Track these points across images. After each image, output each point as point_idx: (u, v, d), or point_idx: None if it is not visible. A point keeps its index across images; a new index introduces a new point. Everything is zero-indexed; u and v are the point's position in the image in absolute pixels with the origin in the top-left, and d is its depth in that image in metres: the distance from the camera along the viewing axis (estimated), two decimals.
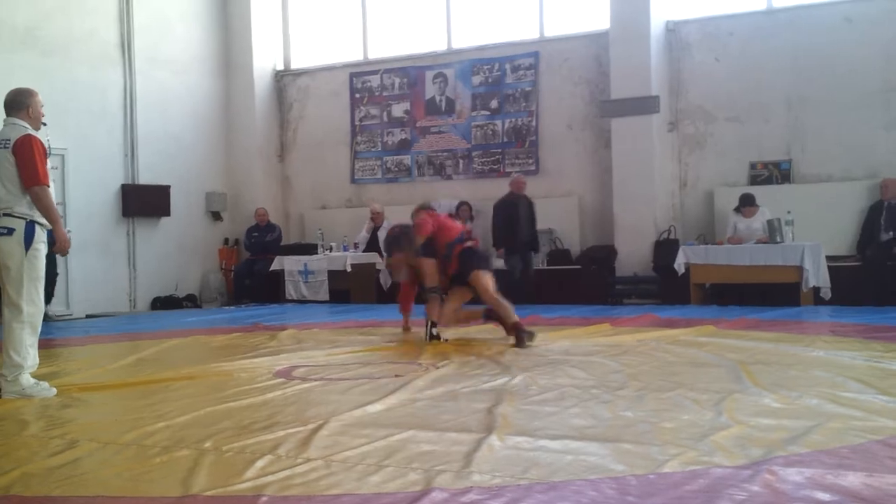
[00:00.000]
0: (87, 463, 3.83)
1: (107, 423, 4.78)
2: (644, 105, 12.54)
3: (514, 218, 12.24)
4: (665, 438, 3.88)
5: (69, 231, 12.52)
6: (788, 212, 11.12)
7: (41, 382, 5.63)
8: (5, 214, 5.62)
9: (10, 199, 5.64)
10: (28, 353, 5.58)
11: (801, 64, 12.08)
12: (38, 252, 5.67)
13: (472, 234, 9.06)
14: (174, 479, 3.45)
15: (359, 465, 3.57)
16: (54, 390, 5.60)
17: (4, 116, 6.00)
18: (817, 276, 10.73)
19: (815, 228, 11.24)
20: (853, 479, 3.18)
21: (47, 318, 11.79)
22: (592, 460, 3.55)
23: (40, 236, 5.70)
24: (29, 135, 5.79)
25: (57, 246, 5.85)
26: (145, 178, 14.33)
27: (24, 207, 5.65)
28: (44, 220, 5.70)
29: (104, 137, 13.86)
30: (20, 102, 6.02)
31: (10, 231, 5.59)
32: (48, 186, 5.75)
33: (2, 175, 5.69)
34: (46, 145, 5.97)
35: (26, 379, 5.54)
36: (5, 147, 5.72)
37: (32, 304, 5.62)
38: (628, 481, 3.25)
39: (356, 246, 13.89)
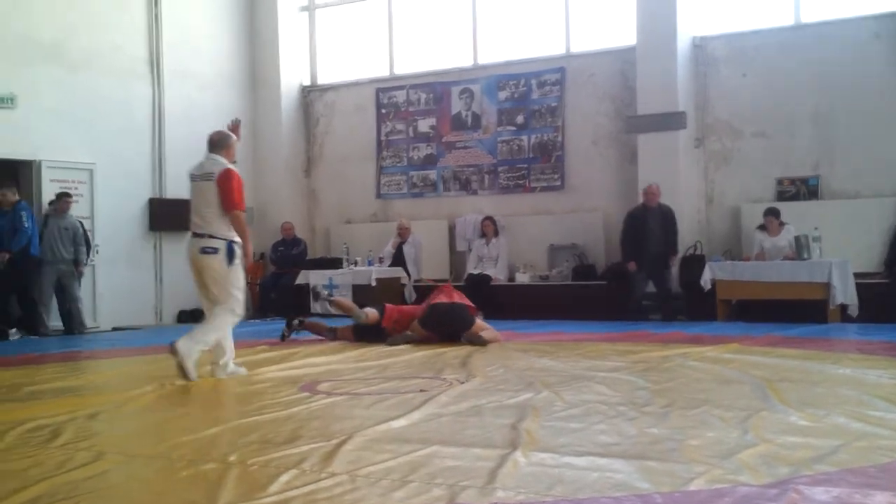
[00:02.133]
0: (113, 476, 3.85)
1: (133, 436, 4.82)
2: (670, 121, 12.51)
3: (641, 231, 11.80)
4: (691, 456, 3.86)
5: (97, 245, 12.81)
6: (816, 228, 11.06)
7: (240, 368, 6.98)
8: (210, 236, 6.75)
9: (213, 224, 6.76)
10: (231, 345, 6.93)
11: (828, 79, 12.01)
12: (237, 266, 6.83)
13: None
14: (200, 493, 3.46)
15: (383, 480, 3.57)
16: (245, 370, 6.95)
17: (207, 153, 7.11)
18: (845, 293, 10.66)
19: (843, 245, 11.18)
20: (880, 499, 3.15)
21: (73, 333, 11.96)
22: (618, 477, 3.53)
23: (237, 253, 6.81)
24: (230, 169, 6.90)
25: (245, 260, 6.98)
26: (172, 191, 14.41)
27: (223, 230, 6.77)
28: (238, 240, 6.81)
29: (132, 152, 13.98)
30: (224, 143, 7.14)
31: (216, 250, 6.75)
32: (244, 211, 6.93)
33: (206, 203, 6.80)
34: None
35: (231, 365, 6.86)
36: (209, 179, 6.82)
37: (239, 307, 6.93)
38: (654, 499, 3.23)
39: (381, 260, 13.92)
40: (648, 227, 11.75)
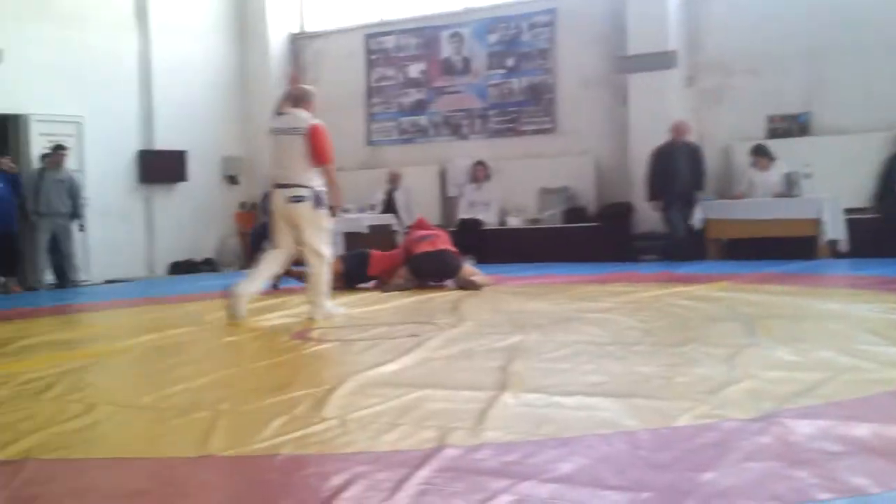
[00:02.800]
0: (105, 426, 3.87)
1: (125, 387, 4.86)
2: (661, 60, 12.44)
3: (669, 168, 11.57)
4: (678, 393, 3.89)
5: (87, 198, 12.77)
6: (807, 165, 11.05)
7: (338, 307, 7.34)
8: (297, 186, 7.03)
9: (300, 175, 7.05)
10: (326, 286, 7.19)
11: (820, 14, 11.92)
12: (322, 212, 7.13)
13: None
14: (192, 440, 3.48)
15: (373, 423, 3.59)
16: (342, 309, 7.34)
17: (287, 109, 7.29)
18: (835, 229, 10.69)
19: (834, 181, 11.17)
20: (865, 431, 3.18)
21: (65, 286, 11.96)
22: (605, 416, 3.56)
23: (323, 201, 7.13)
24: (318, 124, 7.15)
25: (334, 207, 7.40)
26: (162, 143, 14.38)
27: (309, 180, 7.07)
28: (323, 188, 7.12)
29: (120, 104, 13.91)
30: (306, 97, 7.37)
31: (302, 199, 7.04)
32: (333, 163, 7.26)
33: (294, 155, 7.07)
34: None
35: (329, 304, 7.21)
36: (296, 133, 7.07)
37: (326, 248, 7.21)
38: (640, 436, 3.26)
39: (373, 207, 13.91)
40: (676, 164, 11.51)
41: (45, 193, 11.91)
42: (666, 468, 2.88)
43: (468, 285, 8.88)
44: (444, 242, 9.58)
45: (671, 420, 3.44)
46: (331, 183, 7.27)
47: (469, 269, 9.36)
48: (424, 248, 9.38)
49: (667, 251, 11.64)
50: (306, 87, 7.66)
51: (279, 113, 7.35)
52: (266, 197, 14.71)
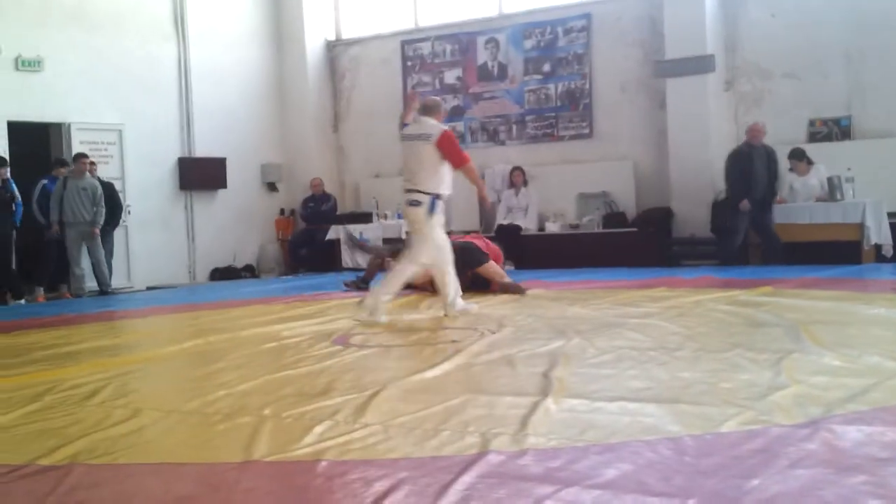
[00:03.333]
0: (150, 431, 3.90)
1: (169, 392, 4.89)
2: (699, 64, 12.35)
3: (748, 171, 11.11)
4: (723, 399, 3.85)
5: (128, 206, 12.88)
6: (848, 168, 10.94)
7: (471, 304, 7.59)
8: (416, 191, 7.24)
9: (423, 180, 7.25)
10: (395, 289, 7.45)
11: (860, 17, 11.80)
12: (437, 219, 7.31)
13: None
14: (236, 446, 3.50)
15: (416, 429, 3.60)
16: (476, 306, 7.62)
17: (417, 115, 7.59)
18: (879, 233, 10.57)
19: (877, 185, 11.05)
20: None
21: (106, 292, 12.06)
22: (649, 421, 3.54)
23: (439, 207, 7.29)
24: (447, 130, 7.43)
25: (484, 203, 8.02)
26: (201, 150, 14.50)
27: (429, 185, 7.23)
28: (444, 195, 7.32)
29: (159, 111, 14.04)
30: (437, 108, 7.69)
31: (419, 203, 7.22)
32: (470, 162, 7.49)
33: (420, 160, 7.29)
34: None
35: (460, 302, 7.44)
36: (424, 140, 7.28)
37: (425, 256, 7.37)
38: (685, 442, 3.24)
39: None
40: (754, 166, 11.10)
41: (69, 202, 11.85)
42: (711, 474, 2.86)
43: (511, 289, 8.89)
44: (475, 240, 9.71)
45: (716, 426, 3.41)
46: (474, 181, 7.70)
47: (496, 268, 9.41)
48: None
49: (724, 255, 11.33)
50: (435, 98, 8.09)
51: (405, 123, 7.66)
52: (305, 203, 14.88)
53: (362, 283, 9.84)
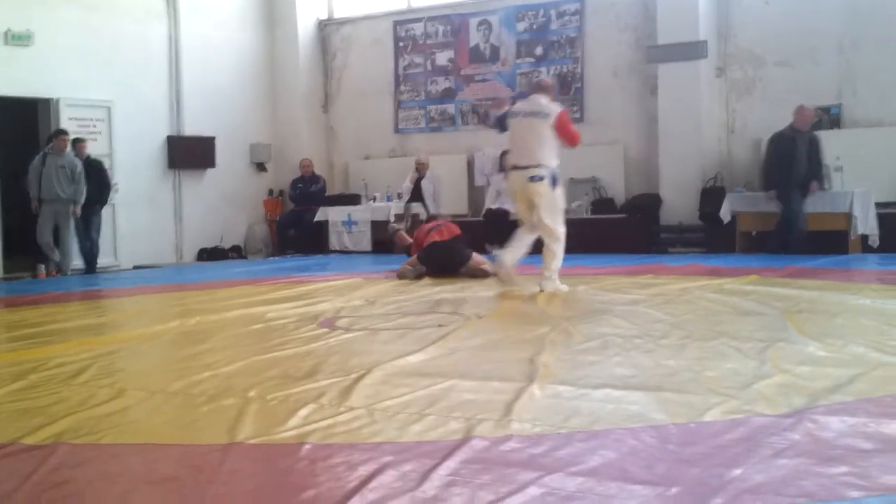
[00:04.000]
0: (135, 411, 3.90)
1: (154, 373, 4.88)
2: (691, 50, 12.34)
3: (790, 156, 10.86)
4: (707, 387, 3.86)
5: (116, 183, 12.82)
6: (837, 158, 10.95)
7: (563, 284, 7.66)
8: (537, 166, 7.55)
9: (543, 155, 7.56)
10: (559, 263, 7.69)
11: (853, 6, 11.82)
12: (558, 191, 7.72)
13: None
14: (220, 427, 3.50)
15: (400, 413, 3.60)
16: (566, 287, 7.62)
17: (532, 96, 7.97)
18: (866, 224, 10.59)
19: (866, 175, 11.06)
20: None
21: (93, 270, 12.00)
22: (634, 409, 3.55)
23: (558, 181, 7.73)
24: (564, 109, 7.79)
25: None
26: (190, 129, 14.44)
27: (549, 160, 7.60)
28: (558, 169, 7.70)
29: (149, 89, 13.97)
30: (551, 88, 8.06)
31: (542, 178, 7.56)
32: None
33: (539, 137, 7.60)
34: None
35: (557, 282, 7.62)
36: (541, 117, 7.62)
37: (560, 226, 7.72)
38: (669, 430, 3.24)
39: (400, 196, 13.90)
40: (798, 152, 10.88)
41: (47, 179, 11.71)
42: (695, 463, 2.86)
43: (478, 273, 8.99)
44: (452, 232, 9.68)
45: (700, 414, 3.42)
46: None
47: (478, 257, 9.44)
48: (434, 237, 9.52)
49: (780, 243, 10.95)
50: (549, 78, 8.43)
51: (503, 114, 8.10)
52: (294, 184, 14.85)
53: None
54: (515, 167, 7.72)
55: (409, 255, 9.82)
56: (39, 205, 11.74)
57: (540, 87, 8.03)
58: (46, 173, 11.70)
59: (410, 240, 10.05)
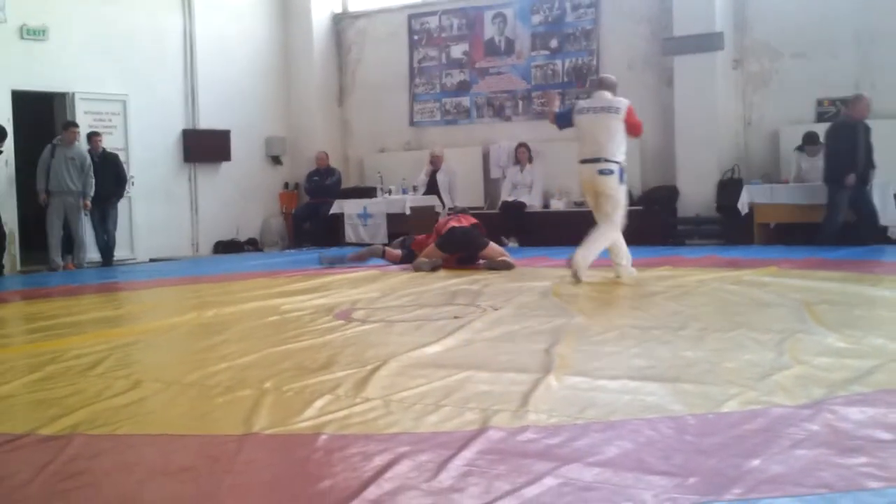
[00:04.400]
0: (151, 402, 3.91)
1: (170, 364, 4.89)
2: (707, 42, 12.26)
3: (851, 146, 10.49)
4: (725, 378, 3.84)
5: (132, 177, 12.86)
6: None
7: (634, 270, 7.91)
8: (606, 160, 7.77)
9: (613, 150, 7.79)
10: (626, 250, 7.93)
11: None
12: (623, 187, 7.94)
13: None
14: (236, 418, 3.50)
15: (416, 404, 3.59)
16: (636, 272, 7.89)
17: (597, 92, 8.24)
18: (885, 215, 10.50)
19: (885, 166, 10.95)
20: None
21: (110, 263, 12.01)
22: (651, 400, 3.53)
23: (625, 176, 7.98)
24: (630, 105, 7.99)
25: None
26: (206, 123, 14.46)
27: (617, 155, 7.82)
28: (625, 164, 7.98)
29: (164, 83, 13.98)
30: (615, 85, 8.32)
31: (612, 171, 7.77)
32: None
33: (610, 132, 7.84)
34: None
35: (631, 268, 7.89)
36: (612, 112, 7.89)
37: (621, 218, 7.91)
38: (687, 420, 3.23)
39: (415, 189, 13.89)
40: (859, 140, 10.56)
41: (56, 171, 11.64)
42: (712, 454, 2.85)
43: (499, 266, 9.04)
44: (470, 221, 9.85)
45: (718, 405, 3.41)
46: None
47: (496, 248, 9.56)
48: (452, 224, 9.70)
49: (827, 233, 10.63)
50: (611, 76, 8.73)
51: (558, 112, 8.47)
52: (309, 177, 14.86)
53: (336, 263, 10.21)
54: (586, 161, 7.91)
55: (416, 253, 9.89)
56: (48, 197, 11.73)
57: (604, 84, 8.26)
58: (56, 165, 11.67)
59: (398, 252, 10.20)
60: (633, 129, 7.98)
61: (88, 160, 11.90)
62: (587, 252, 7.68)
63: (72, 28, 12.69)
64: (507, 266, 9.05)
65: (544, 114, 13.81)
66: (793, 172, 11.43)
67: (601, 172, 7.80)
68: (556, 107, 8.70)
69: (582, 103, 8.25)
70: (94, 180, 11.93)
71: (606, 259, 7.94)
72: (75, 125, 12.03)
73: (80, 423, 3.52)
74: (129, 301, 8.18)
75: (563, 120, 8.34)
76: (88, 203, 11.94)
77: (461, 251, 9.57)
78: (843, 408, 3.28)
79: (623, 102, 7.96)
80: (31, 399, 4.01)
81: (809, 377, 3.81)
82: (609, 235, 7.80)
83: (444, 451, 2.94)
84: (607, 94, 8.08)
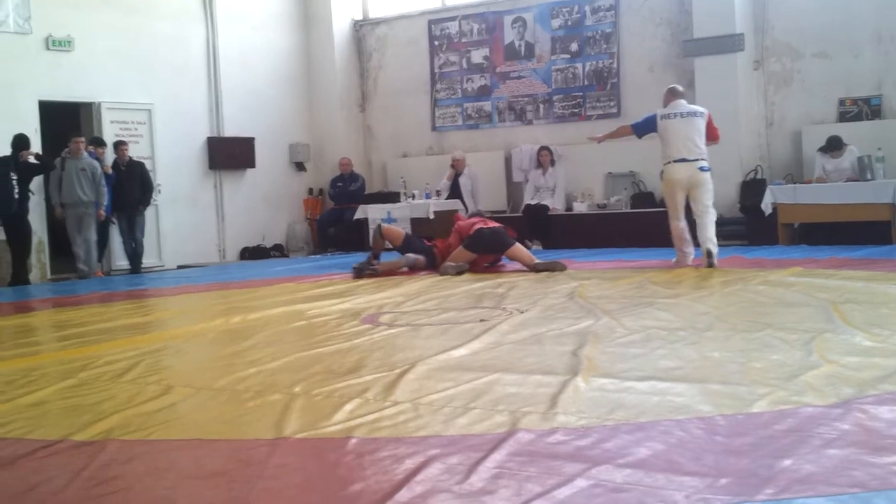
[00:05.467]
0: (183, 407, 3.94)
1: (200, 369, 4.92)
2: (728, 43, 12.24)
3: None
4: (753, 378, 3.83)
5: (158, 185, 12.96)
6: (879, 148, 10.82)
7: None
8: (703, 159, 8.84)
9: (704, 149, 8.88)
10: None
11: None
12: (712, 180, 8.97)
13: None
14: (267, 423, 3.53)
15: (445, 407, 3.61)
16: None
17: (676, 100, 9.15)
18: None
19: None
20: None
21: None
22: (680, 401, 3.53)
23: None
24: (709, 112, 9.08)
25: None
26: (230, 130, 14.55)
27: (707, 153, 8.90)
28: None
29: (189, 92, 14.09)
30: (683, 93, 9.36)
31: (708, 169, 8.87)
32: None
33: (699, 133, 8.86)
34: None
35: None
36: (698, 116, 8.94)
37: (715, 208, 9.11)
38: (716, 421, 3.23)
39: (439, 193, 13.91)
40: None
41: (67, 183, 11.61)
42: (743, 454, 2.85)
43: (552, 267, 9.06)
44: (480, 223, 9.91)
45: (747, 406, 3.40)
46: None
47: (523, 249, 9.68)
48: (479, 225, 9.75)
49: None
50: (678, 86, 9.66)
51: (635, 126, 9.55)
52: (333, 183, 14.91)
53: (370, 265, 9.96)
54: (682, 160, 8.80)
55: (432, 253, 10.05)
56: (63, 209, 11.73)
57: (678, 93, 9.18)
58: (67, 177, 11.60)
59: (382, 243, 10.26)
60: (713, 132, 8.98)
61: (99, 170, 11.86)
62: (710, 235, 8.74)
63: (97, 38, 12.82)
64: (560, 267, 9.08)
65: (565, 118, 13.91)
66: (815, 173, 11.38)
67: (702, 169, 8.80)
68: (602, 139, 10.13)
69: (665, 110, 9.07)
70: (106, 189, 11.91)
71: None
72: (80, 136, 11.93)
73: (113, 428, 3.56)
74: (157, 307, 8.24)
75: (644, 129, 9.40)
76: (102, 213, 11.93)
77: (490, 251, 9.67)
78: (873, 407, 3.27)
79: (701, 108, 9.13)
80: (64, 405, 4.05)
81: (839, 376, 3.80)
82: (713, 219, 8.88)
83: (474, 453, 2.96)
84: (683, 101, 9.08)
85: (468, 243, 9.61)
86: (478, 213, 11.12)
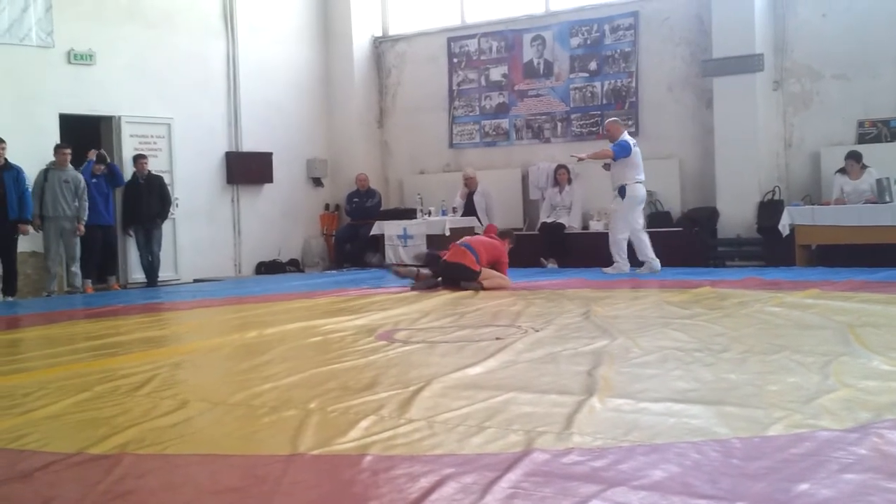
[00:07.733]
0: (198, 422, 3.94)
1: (216, 384, 4.92)
2: (747, 63, 12.24)
3: None
4: (770, 401, 3.81)
5: (176, 198, 13.01)
6: None
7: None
8: None
9: None
10: None
11: None
12: None
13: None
14: (282, 439, 3.53)
15: (460, 426, 3.60)
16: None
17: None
18: None
19: None
20: None
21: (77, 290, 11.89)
22: (696, 423, 3.51)
23: None
24: None
25: None
26: (248, 145, 14.62)
27: None
28: None
29: (208, 106, 14.17)
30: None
31: None
32: None
33: None
34: None
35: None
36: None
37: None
38: (733, 444, 3.21)
39: (455, 210, 13.93)
40: None
41: (51, 195, 11.37)
42: (760, 478, 2.83)
43: (472, 287, 9.46)
44: (463, 257, 9.78)
45: (764, 429, 3.38)
46: None
47: (491, 275, 9.74)
48: (446, 256, 10.02)
49: None
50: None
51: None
52: (350, 199, 14.94)
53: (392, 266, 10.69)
54: (643, 182, 10.42)
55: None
56: (42, 222, 11.42)
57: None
58: (50, 189, 11.38)
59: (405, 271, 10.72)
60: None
61: (83, 183, 11.61)
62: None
63: (118, 53, 12.91)
64: (476, 287, 9.45)
65: (583, 136, 13.92)
66: (834, 195, 11.34)
67: None
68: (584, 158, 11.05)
69: (632, 139, 9.96)
70: (87, 203, 11.66)
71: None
72: (66, 147, 11.64)
73: (129, 442, 3.56)
74: (173, 321, 8.26)
75: (623, 154, 10.50)
76: (82, 228, 11.62)
77: (450, 282, 9.84)
78: (890, 431, 3.25)
79: None
80: (80, 418, 4.05)
81: (855, 400, 3.78)
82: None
83: (489, 472, 2.95)
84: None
85: (439, 269, 9.97)
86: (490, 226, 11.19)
